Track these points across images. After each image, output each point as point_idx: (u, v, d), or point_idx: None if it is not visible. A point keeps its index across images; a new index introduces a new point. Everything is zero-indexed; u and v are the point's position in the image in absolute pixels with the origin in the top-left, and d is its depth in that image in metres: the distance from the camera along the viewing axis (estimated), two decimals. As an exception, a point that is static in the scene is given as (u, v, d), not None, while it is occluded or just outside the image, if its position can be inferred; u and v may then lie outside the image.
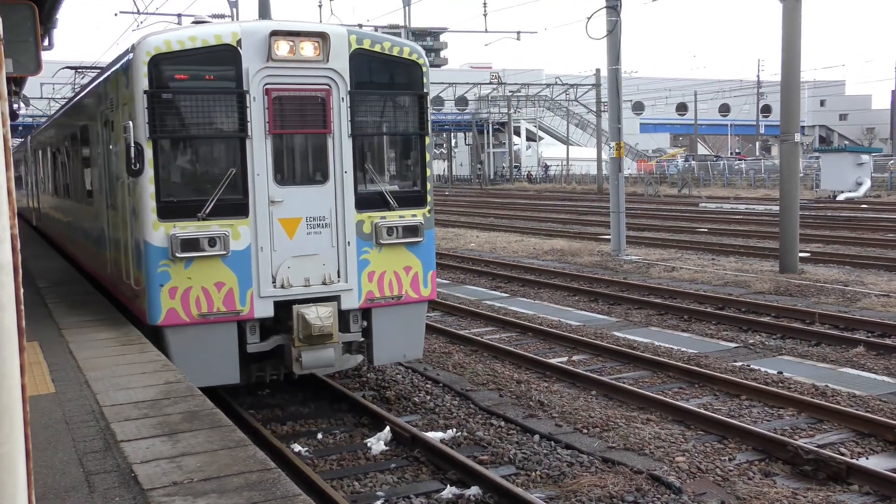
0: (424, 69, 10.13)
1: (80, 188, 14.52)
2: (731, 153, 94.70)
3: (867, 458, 8.40)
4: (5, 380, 1.66)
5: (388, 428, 9.15)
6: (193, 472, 5.40)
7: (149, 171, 8.87)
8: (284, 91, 9.31)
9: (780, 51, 20.05)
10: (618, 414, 9.91)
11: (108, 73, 10.82)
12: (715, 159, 79.31)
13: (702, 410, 9.77)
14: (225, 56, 9.12)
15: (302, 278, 9.45)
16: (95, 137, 12.12)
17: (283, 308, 9.40)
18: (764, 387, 10.63)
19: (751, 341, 13.56)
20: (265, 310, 9.35)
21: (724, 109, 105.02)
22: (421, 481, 8.07)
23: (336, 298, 9.59)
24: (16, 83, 17.96)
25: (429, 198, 10.25)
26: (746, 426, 9.13)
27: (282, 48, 9.26)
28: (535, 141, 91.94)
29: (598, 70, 63.31)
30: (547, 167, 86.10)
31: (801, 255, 20.92)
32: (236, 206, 9.18)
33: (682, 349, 13.01)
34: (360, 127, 9.76)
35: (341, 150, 9.56)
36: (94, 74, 16.54)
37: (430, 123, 10.28)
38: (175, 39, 8.97)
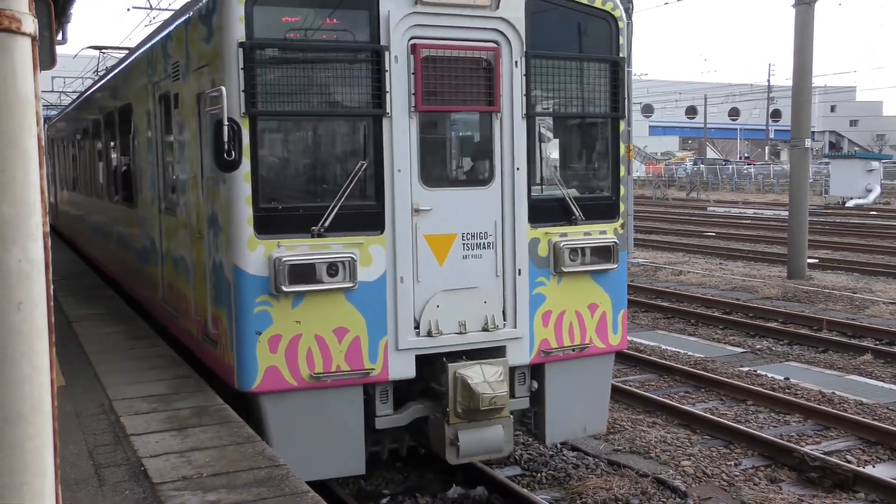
0: (621, 24, 7.48)
1: (117, 185, 11.87)
2: (741, 157, 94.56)
3: (874, 467, 8.40)
4: (37, 375, 1.69)
5: (394, 426, 9.16)
6: (203, 466, 5.44)
7: (244, 164, 6.28)
8: (437, 48, 6.72)
9: (792, 56, 20.02)
10: (624, 417, 9.92)
11: (170, 28, 8.16)
12: (724, 163, 79.21)
13: (708, 415, 9.77)
14: None
15: (455, 322, 6.89)
16: (143, 119, 9.57)
17: (428, 364, 6.90)
18: (770, 392, 10.63)
19: (758, 346, 13.55)
20: (404, 368, 6.79)
21: (734, 113, 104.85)
22: (426, 481, 8.10)
23: (501, 350, 7.07)
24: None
25: (622, 207, 7.65)
26: (753, 432, 9.14)
27: None
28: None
29: (608, 72, 63.14)
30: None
31: (810, 261, 20.89)
32: (367, 217, 6.65)
33: (689, 353, 13.01)
34: (539, 105, 7.27)
35: (512, 136, 7.02)
36: (122, 55, 13.88)
37: (626, 102, 7.73)
38: None
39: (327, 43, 6.59)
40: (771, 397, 10.44)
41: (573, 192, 7.43)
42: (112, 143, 12.20)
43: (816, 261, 22.26)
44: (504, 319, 7.07)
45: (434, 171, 7.08)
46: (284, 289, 6.31)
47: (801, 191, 20.30)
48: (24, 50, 1.81)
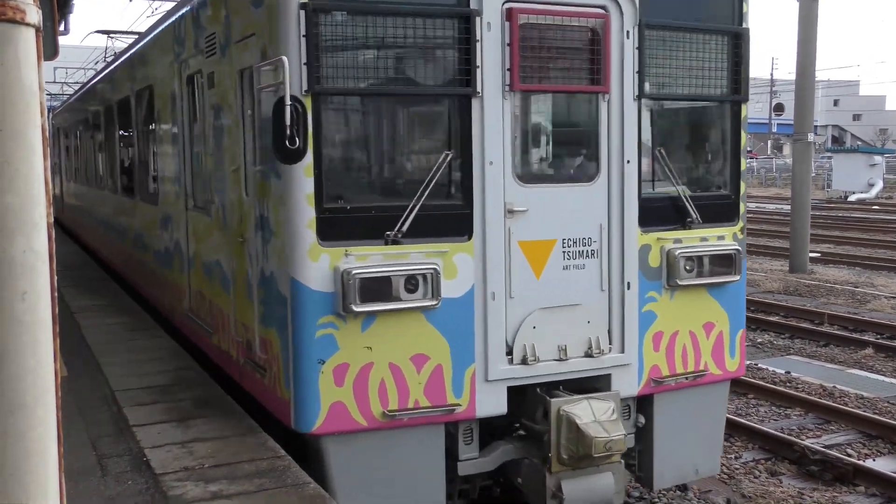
0: None
1: (133, 178, 10.86)
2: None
3: (874, 460, 8.42)
4: (40, 366, 1.70)
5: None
6: (205, 457, 5.46)
7: (307, 155, 5.23)
8: (537, 13, 5.67)
9: (795, 50, 19.98)
10: (625, 410, 9.93)
11: None
12: (726, 157, 79.13)
13: (709, 408, 9.78)
14: None
15: (554, 346, 5.87)
16: (166, 103, 8.53)
17: (518, 395, 5.88)
18: (771, 386, 10.65)
19: (759, 340, 13.56)
20: (494, 403, 5.74)
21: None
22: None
23: (605, 380, 6.09)
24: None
25: (742, 207, 6.62)
26: (753, 425, 9.16)
27: None
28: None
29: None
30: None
31: (812, 255, 20.89)
32: (452, 220, 5.62)
33: (690, 347, 13.02)
34: (654, 84, 6.19)
35: (621, 122, 6.00)
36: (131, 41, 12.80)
37: (748, 82, 6.60)
38: None
39: (406, 6, 5.43)
40: (772, 391, 10.45)
41: (686, 190, 6.36)
42: (128, 132, 11.07)
43: (818, 255, 22.26)
44: (610, 343, 6.05)
45: (530, 165, 6.07)
46: (354, 308, 5.26)
47: (804, 185, 20.28)
48: (27, 40, 1.81)
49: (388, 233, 5.40)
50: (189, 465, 5.35)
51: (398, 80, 5.58)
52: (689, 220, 6.27)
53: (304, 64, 5.16)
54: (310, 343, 5.32)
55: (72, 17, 13.11)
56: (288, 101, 4.94)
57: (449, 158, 5.54)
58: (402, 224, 5.40)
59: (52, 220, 1.80)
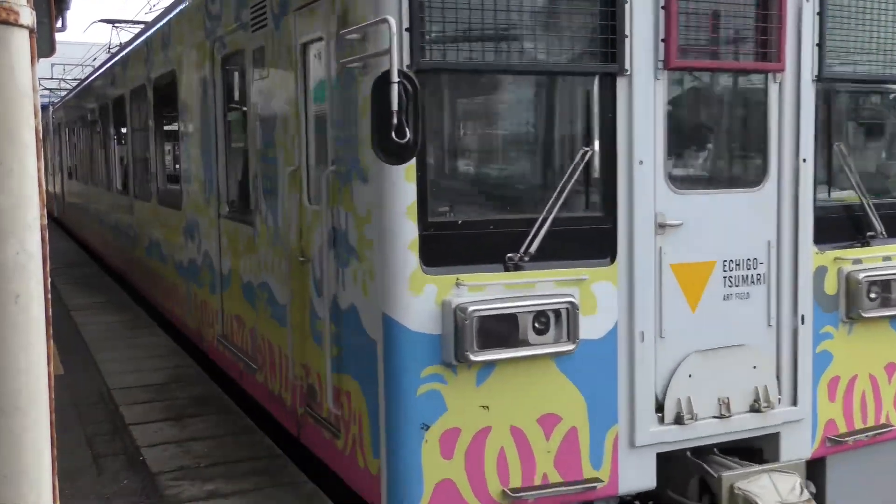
0: None
1: (148, 178, 9.82)
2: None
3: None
4: (33, 368, 1.70)
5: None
6: (201, 457, 5.48)
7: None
8: None
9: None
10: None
11: None
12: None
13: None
14: None
15: (713, 399, 4.70)
16: (193, 90, 7.44)
17: (664, 462, 4.69)
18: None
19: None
20: (641, 475, 4.59)
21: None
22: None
23: (772, 441, 4.93)
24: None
25: None
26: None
27: None
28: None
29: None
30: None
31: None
32: (590, 238, 4.47)
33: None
34: (836, 62, 4.95)
35: (796, 110, 4.81)
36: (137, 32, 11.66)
37: None
38: None
39: None
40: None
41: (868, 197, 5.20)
42: (143, 125, 9.95)
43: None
44: (779, 393, 4.87)
45: (685, 165, 4.95)
46: (471, 356, 4.06)
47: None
48: (21, 42, 1.81)
49: (509, 255, 4.24)
50: (185, 464, 5.36)
51: (524, 55, 4.30)
52: (870, 234, 5.13)
53: (406, 30, 3.95)
54: (410, 402, 4.11)
55: (70, 11, 12.99)
56: (395, 79, 3.70)
57: (588, 157, 4.39)
58: (530, 244, 4.24)
59: (45, 221, 1.81)
